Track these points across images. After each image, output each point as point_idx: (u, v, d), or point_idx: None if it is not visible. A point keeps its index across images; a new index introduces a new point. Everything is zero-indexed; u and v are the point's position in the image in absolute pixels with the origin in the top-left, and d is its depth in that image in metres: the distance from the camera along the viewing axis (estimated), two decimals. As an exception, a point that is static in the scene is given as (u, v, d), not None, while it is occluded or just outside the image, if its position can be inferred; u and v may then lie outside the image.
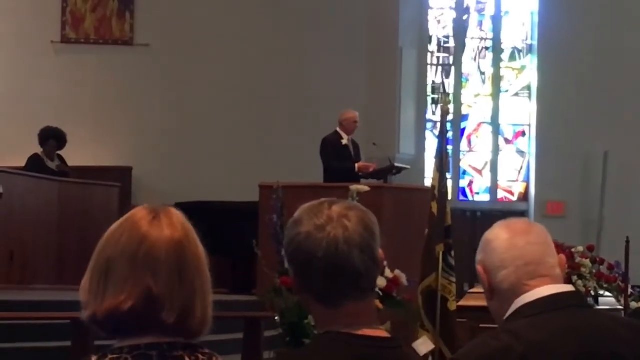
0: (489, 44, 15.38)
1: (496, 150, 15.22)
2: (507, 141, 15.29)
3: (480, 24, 15.42)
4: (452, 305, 6.84)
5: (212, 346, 2.09)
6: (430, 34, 15.25)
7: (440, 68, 15.35)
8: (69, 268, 10.98)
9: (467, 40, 15.34)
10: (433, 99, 15.21)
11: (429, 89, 15.21)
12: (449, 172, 11.40)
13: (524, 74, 15.32)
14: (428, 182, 12.52)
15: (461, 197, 15.09)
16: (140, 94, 14.18)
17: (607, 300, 8.58)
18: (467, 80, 15.35)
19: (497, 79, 15.30)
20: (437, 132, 14.24)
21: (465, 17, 15.36)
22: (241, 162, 13.78)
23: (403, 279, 7.25)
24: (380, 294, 6.94)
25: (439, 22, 15.35)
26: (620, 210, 14.25)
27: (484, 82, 15.36)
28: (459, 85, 15.26)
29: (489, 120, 15.28)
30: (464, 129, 15.24)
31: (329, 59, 14.17)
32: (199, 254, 2.08)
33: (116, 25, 14.35)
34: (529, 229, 2.56)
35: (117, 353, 2.01)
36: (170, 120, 14.15)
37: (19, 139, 12.77)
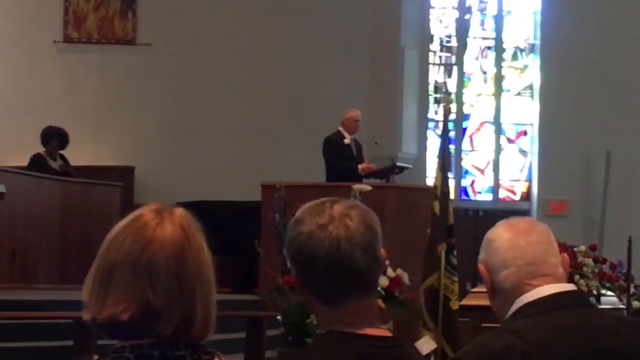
0: (491, 43, 15.38)
1: (498, 149, 15.21)
2: (510, 140, 15.29)
3: (483, 23, 15.42)
4: (455, 305, 6.85)
5: (214, 345, 2.08)
6: (433, 34, 15.25)
7: (442, 67, 15.34)
8: (71, 267, 10.99)
9: (469, 40, 15.34)
10: (435, 98, 15.20)
11: (431, 89, 15.20)
12: (451, 171, 11.41)
13: (526, 73, 15.31)
14: (430, 181, 12.54)
15: (463, 197, 15.08)
16: (143, 93, 14.18)
17: (610, 300, 8.57)
18: (469, 79, 15.35)
19: (499, 78, 15.29)
20: (439, 131, 14.30)
21: (467, 17, 15.35)
22: (243, 161, 13.78)
23: (405, 278, 7.27)
24: (383, 293, 6.96)
25: (441, 21, 15.35)
26: (622, 210, 14.25)
27: (486, 81, 15.36)
28: (461, 84, 15.25)
29: (491, 120, 15.27)
30: (466, 129, 15.23)
31: (331, 58, 14.17)
32: (203, 259, 2.05)
33: (118, 25, 14.35)
34: (531, 229, 2.56)
35: (119, 352, 2.01)
36: (173, 119, 14.15)
37: (21, 139, 12.78)
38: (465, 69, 15.30)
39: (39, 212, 11.08)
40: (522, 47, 15.36)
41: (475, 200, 15.12)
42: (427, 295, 6.88)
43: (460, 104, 15.10)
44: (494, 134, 15.25)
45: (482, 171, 15.26)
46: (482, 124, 15.30)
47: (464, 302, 7.34)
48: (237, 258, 11.40)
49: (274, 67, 14.18)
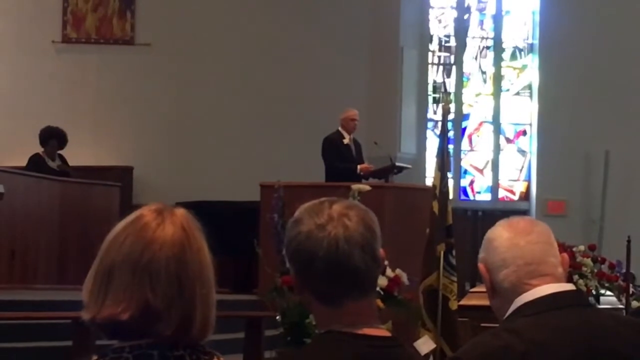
0: (490, 43, 15.38)
1: (497, 149, 15.21)
2: (508, 140, 15.29)
3: (481, 23, 15.42)
4: (453, 305, 6.85)
5: (213, 345, 2.08)
6: (432, 33, 15.25)
7: (441, 67, 15.34)
8: (70, 268, 10.99)
9: (468, 40, 15.34)
10: (434, 98, 15.21)
11: (430, 88, 15.20)
12: (450, 171, 11.40)
13: (525, 73, 15.31)
14: (429, 181, 12.52)
15: (462, 197, 15.08)
16: (142, 93, 14.18)
17: (609, 300, 8.58)
18: (468, 79, 15.35)
19: (498, 78, 15.29)
20: (438, 131, 14.29)
21: (466, 16, 15.35)
22: (242, 161, 13.78)
23: (404, 278, 7.26)
24: (382, 293, 6.95)
25: (440, 21, 15.35)
26: (621, 210, 14.25)
27: (485, 81, 15.36)
28: (460, 84, 15.25)
29: (490, 120, 15.27)
30: (465, 128, 15.23)
31: (330, 58, 14.17)
32: (203, 259, 2.05)
33: (117, 25, 14.35)
34: (531, 228, 2.56)
35: (118, 352, 2.01)
36: (171, 119, 14.15)
37: (20, 139, 12.77)
38: (464, 68, 15.31)
39: (38, 212, 11.08)
40: (521, 46, 15.36)
41: (474, 200, 15.12)
42: (426, 295, 6.88)
43: (459, 103, 15.10)
44: (492, 133, 15.25)
45: (481, 171, 15.26)
46: (481, 123, 15.30)
47: (463, 302, 7.35)
48: (236, 258, 11.39)
49: (273, 66, 14.18)
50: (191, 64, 14.23)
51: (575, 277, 8.46)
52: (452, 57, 15.31)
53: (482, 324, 6.04)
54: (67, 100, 13.99)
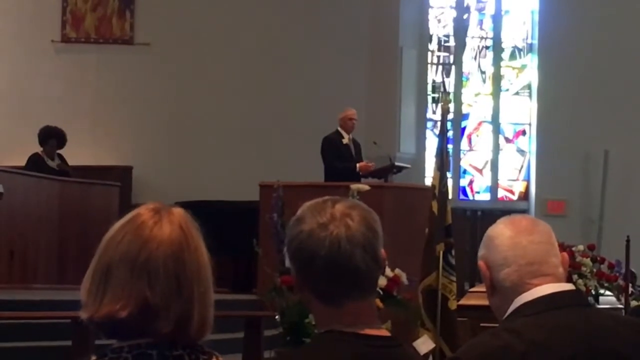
0: (490, 43, 15.38)
1: (496, 149, 15.22)
2: (508, 140, 15.29)
3: (481, 22, 15.42)
4: (453, 304, 6.84)
5: (212, 345, 2.08)
6: (431, 33, 15.25)
7: (440, 67, 15.35)
8: (69, 267, 10.99)
9: (467, 39, 15.34)
10: (433, 97, 15.21)
11: (430, 88, 15.21)
12: (449, 171, 11.41)
13: (525, 73, 15.32)
14: (428, 181, 12.53)
15: (461, 196, 15.09)
16: (141, 93, 14.18)
17: (608, 299, 8.58)
18: (467, 79, 15.35)
19: (497, 77, 15.30)
20: (437, 131, 14.27)
21: (465, 16, 15.36)
22: (241, 161, 13.77)
23: (403, 278, 7.25)
24: (381, 293, 6.94)
25: (439, 21, 15.36)
26: (620, 209, 14.26)
27: (484, 81, 15.36)
28: (459, 84, 15.26)
29: (490, 119, 15.28)
30: (464, 128, 15.24)
31: (329, 58, 14.16)
32: (200, 260, 2.05)
33: (116, 25, 14.35)
34: (533, 228, 2.55)
35: (117, 352, 2.01)
36: (171, 119, 14.15)
37: (19, 138, 12.77)
38: (464, 68, 15.31)
39: (37, 212, 11.07)
40: (520, 46, 15.37)
41: (474, 200, 15.13)
42: (425, 295, 6.87)
43: (458, 103, 15.10)
44: (492, 133, 15.26)
45: (480, 171, 15.26)
46: (480, 123, 15.30)
47: (462, 301, 7.34)
48: (236, 258, 11.40)
49: (272, 66, 14.18)
50: (191, 63, 14.23)
51: (575, 276, 8.47)
52: (452, 57, 15.32)
53: (482, 324, 6.04)
54: (67, 100, 13.99)
